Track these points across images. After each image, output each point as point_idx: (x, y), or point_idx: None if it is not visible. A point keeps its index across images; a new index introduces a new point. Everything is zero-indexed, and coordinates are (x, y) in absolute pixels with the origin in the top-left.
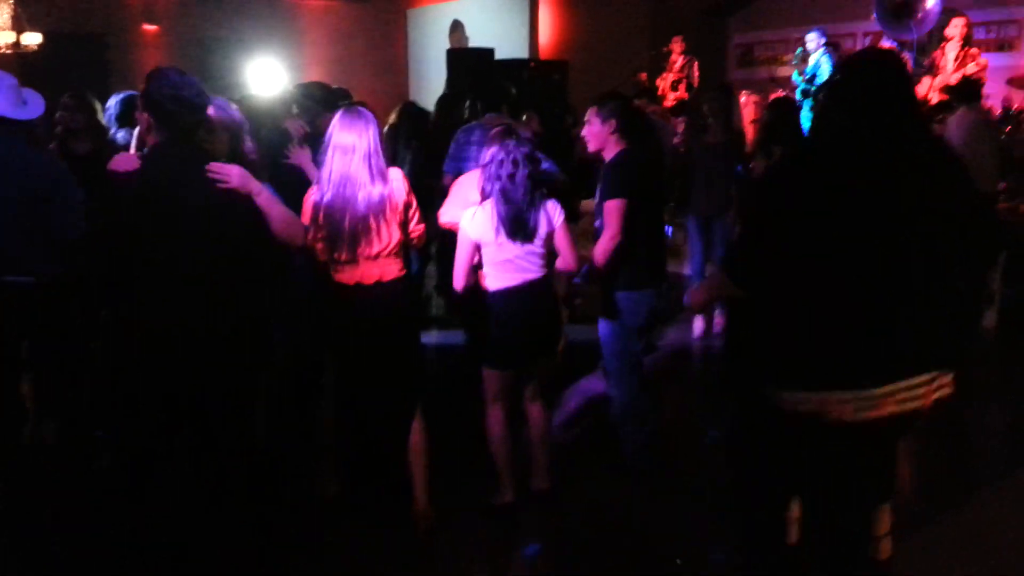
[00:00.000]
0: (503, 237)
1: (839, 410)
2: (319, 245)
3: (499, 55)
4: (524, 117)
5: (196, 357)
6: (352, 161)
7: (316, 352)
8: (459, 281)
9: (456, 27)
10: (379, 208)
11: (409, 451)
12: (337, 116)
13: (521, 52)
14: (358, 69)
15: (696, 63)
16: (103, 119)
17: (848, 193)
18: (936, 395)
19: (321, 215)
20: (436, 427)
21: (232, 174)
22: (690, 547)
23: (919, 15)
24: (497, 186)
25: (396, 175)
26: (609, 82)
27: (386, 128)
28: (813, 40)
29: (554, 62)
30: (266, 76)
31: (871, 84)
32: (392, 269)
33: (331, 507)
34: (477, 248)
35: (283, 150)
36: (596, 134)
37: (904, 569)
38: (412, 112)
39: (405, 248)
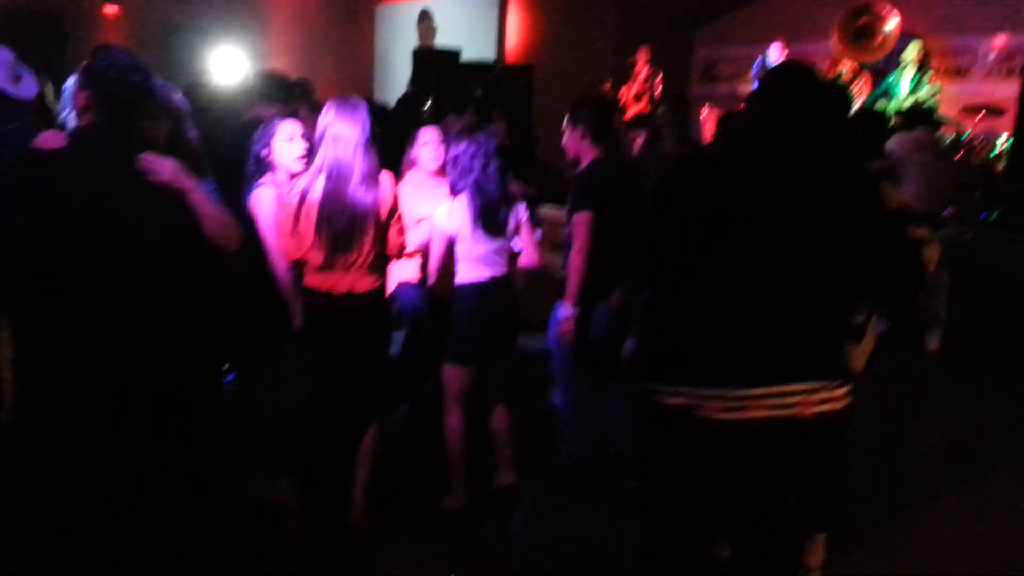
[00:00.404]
0: (478, 232)
1: (709, 407)
2: (302, 244)
3: (466, 55)
4: (493, 121)
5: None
6: (350, 152)
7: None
8: (434, 277)
9: (424, 17)
10: (370, 210)
11: (359, 455)
12: (332, 104)
13: (488, 54)
14: (323, 62)
15: (660, 75)
16: (53, 101)
17: (723, 195)
18: (818, 408)
19: (313, 211)
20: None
21: (164, 167)
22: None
23: (878, 38)
24: (470, 179)
25: (386, 178)
26: (574, 89)
27: None
28: (775, 52)
29: (520, 67)
30: (228, 65)
31: (776, 95)
32: (367, 280)
33: (278, 513)
34: (451, 243)
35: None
36: (569, 141)
37: None
38: (373, 110)
39: (381, 258)
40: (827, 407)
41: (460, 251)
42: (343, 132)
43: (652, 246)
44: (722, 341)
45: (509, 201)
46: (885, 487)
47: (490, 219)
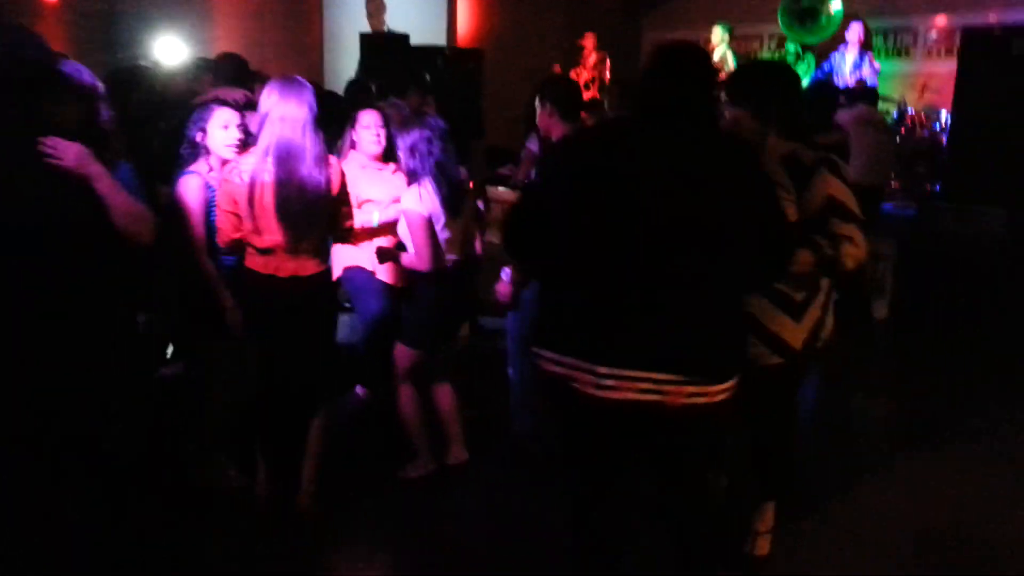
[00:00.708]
0: (445, 216)
1: (582, 380)
2: (260, 227)
3: (417, 40)
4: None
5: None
6: (299, 133)
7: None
8: (429, 262)
9: None
10: (322, 192)
11: (307, 440)
12: (275, 84)
13: (439, 39)
14: (270, 49)
15: (608, 60)
16: None
17: (594, 173)
18: (687, 400)
19: (267, 193)
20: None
21: (68, 152)
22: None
23: (822, 20)
24: (431, 163)
25: (333, 160)
26: (524, 73)
27: None
28: (717, 34)
29: (470, 51)
30: (171, 54)
31: (659, 73)
32: (311, 264)
33: (229, 498)
34: (430, 228)
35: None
36: (539, 119)
37: (787, 560)
38: (319, 95)
39: (325, 243)
40: (697, 400)
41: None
42: (289, 112)
43: (537, 218)
44: (599, 318)
45: (462, 184)
46: (833, 453)
47: (453, 203)
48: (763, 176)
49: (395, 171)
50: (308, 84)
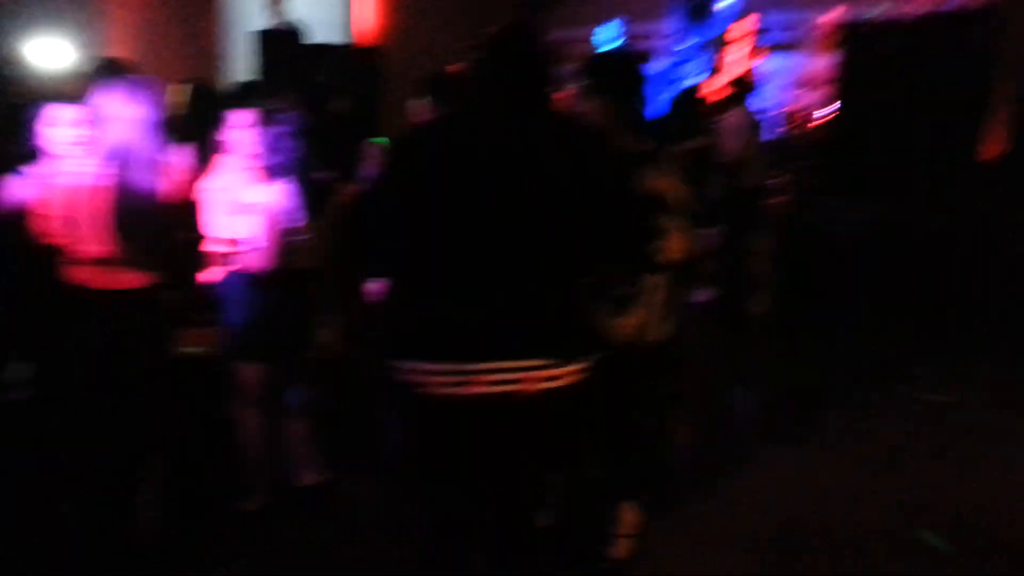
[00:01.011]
0: (297, 217)
1: (437, 382)
2: (77, 233)
3: (320, 38)
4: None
5: None
6: (136, 135)
7: None
8: (268, 263)
9: None
10: (155, 200)
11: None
12: (115, 85)
13: (341, 36)
14: (165, 48)
15: None
16: None
17: (432, 163)
18: (543, 384)
19: (89, 198)
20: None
21: None
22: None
23: (717, 15)
24: (290, 160)
25: (177, 167)
26: (424, 71)
27: (179, 114)
28: (603, 32)
29: (368, 48)
30: (52, 56)
31: (491, 60)
32: (134, 277)
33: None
34: (280, 225)
35: None
36: (422, 115)
37: (649, 558)
38: (204, 95)
39: (154, 255)
40: (554, 384)
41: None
42: (128, 114)
43: (378, 217)
44: (443, 315)
45: (319, 185)
46: (712, 447)
47: (313, 204)
48: (608, 159)
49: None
50: (150, 83)
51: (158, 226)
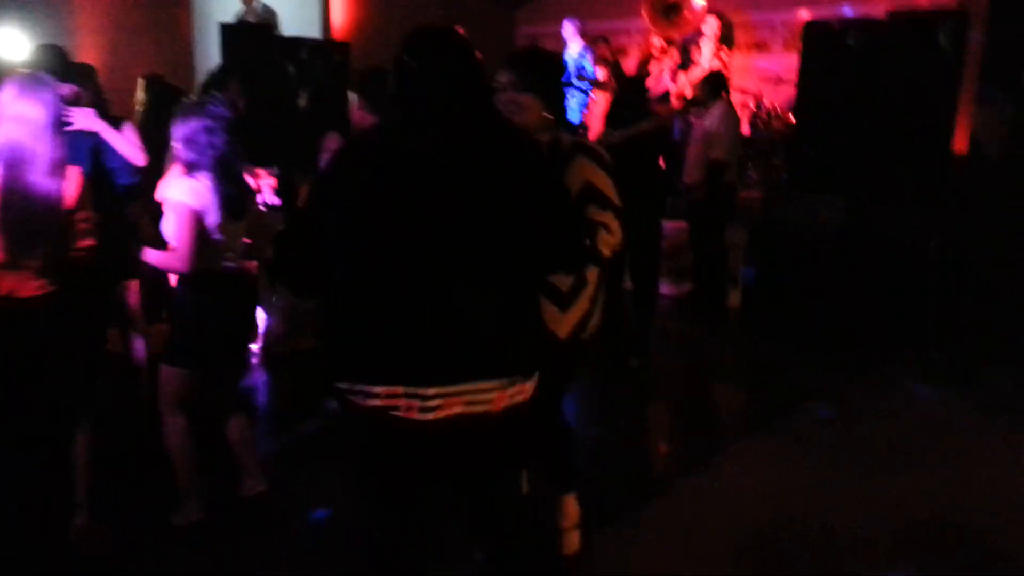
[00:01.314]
0: (221, 216)
1: (404, 407)
2: None
3: (294, 32)
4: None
5: None
6: (32, 136)
7: None
8: (183, 264)
9: None
10: (52, 203)
11: (73, 458)
12: (14, 83)
13: (315, 32)
14: (134, 42)
15: (479, 55)
16: None
17: (370, 176)
18: (510, 401)
19: None
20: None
21: None
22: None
23: (686, 14)
24: (212, 157)
25: (73, 172)
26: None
27: (139, 109)
28: (568, 29)
29: (336, 43)
30: (12, 49)
31: (424, 66)
32: (34, 284)
33: None
34: (198, 224)
35: None
36: (355, 115)
37: (608, 559)
38: (159, 90)
39: (55, 262)
40: (517, 399)
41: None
42: (24, 113)
43: (311, 240)
44: (410, 337)
45: (247, 184)
46: (686, 439)
47: (234, 203)
48: (545, 160)
49: None
50: (50, 82)
51: (53, 231)
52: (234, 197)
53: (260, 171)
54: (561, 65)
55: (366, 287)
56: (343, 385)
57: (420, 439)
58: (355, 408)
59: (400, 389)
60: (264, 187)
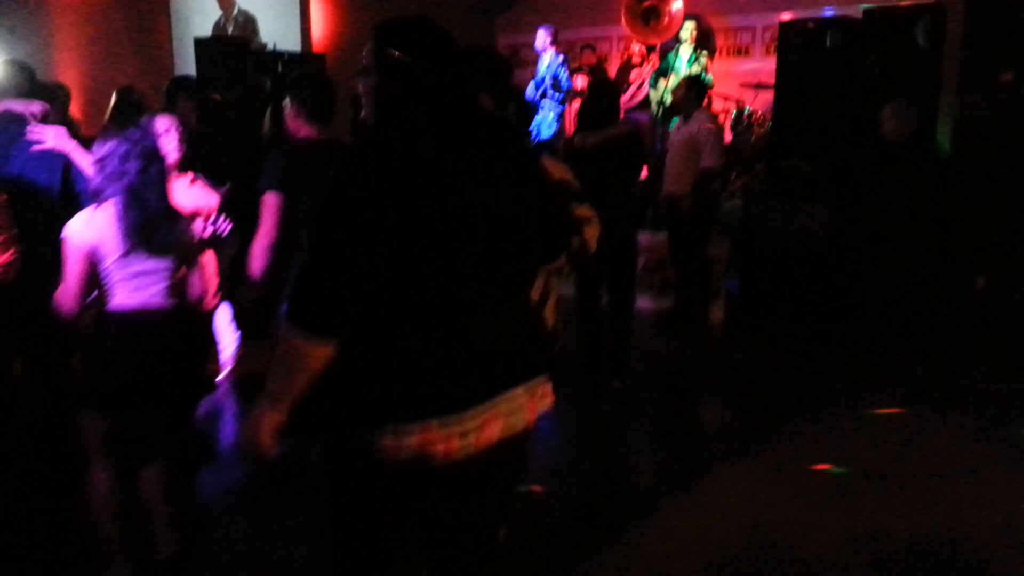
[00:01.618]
0: (131, 249)
1: (445, 442)
2: None
3: (275, 46)
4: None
5: None
6: None
7: None
8: (70, 302)
9: None
10: None
11: None
12: None
13: (294, 45)
14: (115, 57)
15: None
16: None
17: (419, 196)
18: (540, 404)
19: None
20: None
21: None
22: None
23: (664, 20)
24: (122, 184)
25: None
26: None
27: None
28: (540, 38)
29: (312, 55)
30: None
31: (423, 62)
32: None
33: None
34: (90, 260)
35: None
36: (287, 117)
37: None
38: (131, 101)
39: None
40: (545, 401)
41: (105, 273)
42: None
43: (337, 278)
44: (436, 358)
45: (174, 214)
46: (669, 457)
47: (147, 234)
48: (532, 156)
49: (194, 181)
50: None
51: None
52: (145, 227)
53: (209, 189)
54: (506, 65)
55: (420, 312)
56: (365, 434)
57: (455, 482)
58: (385, 459)
59: (433, 423)
60: (210, 214)
